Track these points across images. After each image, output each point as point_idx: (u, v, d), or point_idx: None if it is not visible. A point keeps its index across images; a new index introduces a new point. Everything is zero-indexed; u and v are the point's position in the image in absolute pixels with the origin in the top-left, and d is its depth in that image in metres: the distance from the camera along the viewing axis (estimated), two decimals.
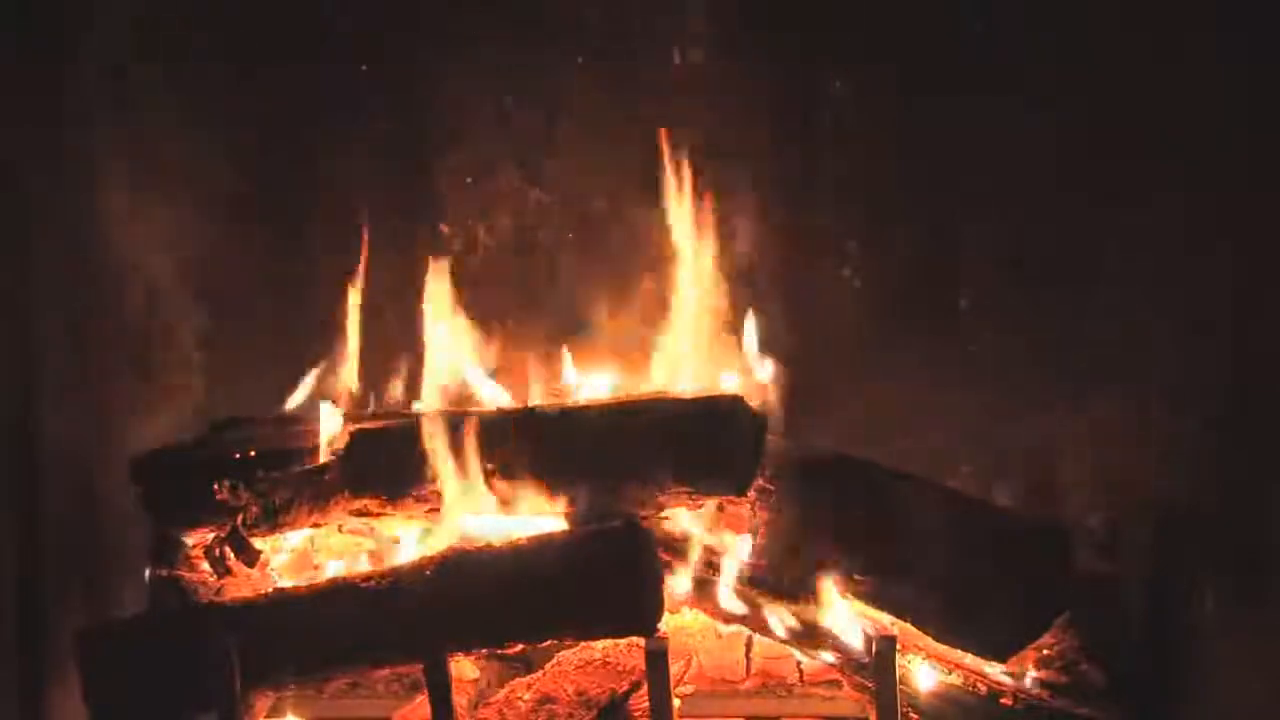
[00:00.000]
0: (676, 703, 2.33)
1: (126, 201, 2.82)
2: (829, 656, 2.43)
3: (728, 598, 2.46)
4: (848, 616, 2.41)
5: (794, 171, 2.84)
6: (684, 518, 2.55)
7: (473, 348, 2.73)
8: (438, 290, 2.69)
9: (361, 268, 2.81)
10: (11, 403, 2.67)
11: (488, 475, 2.39)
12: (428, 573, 2.29)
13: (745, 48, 2.85)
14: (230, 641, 2.23)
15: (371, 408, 2.69)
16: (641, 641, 2.30)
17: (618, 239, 2.87)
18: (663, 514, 2.48)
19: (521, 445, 2.38)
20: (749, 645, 2.60)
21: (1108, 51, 2.71)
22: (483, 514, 2.44)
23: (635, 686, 2.41)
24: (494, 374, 2.73)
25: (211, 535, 2.41)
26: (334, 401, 2.56)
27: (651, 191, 2.80)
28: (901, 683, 2.31)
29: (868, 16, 2.80)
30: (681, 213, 2.75)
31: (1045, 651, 2.45)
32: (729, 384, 2.64)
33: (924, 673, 2.39)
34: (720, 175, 2.82)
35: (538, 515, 2.41)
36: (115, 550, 2.71)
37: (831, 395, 2.79)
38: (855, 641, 2.39)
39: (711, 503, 2.49)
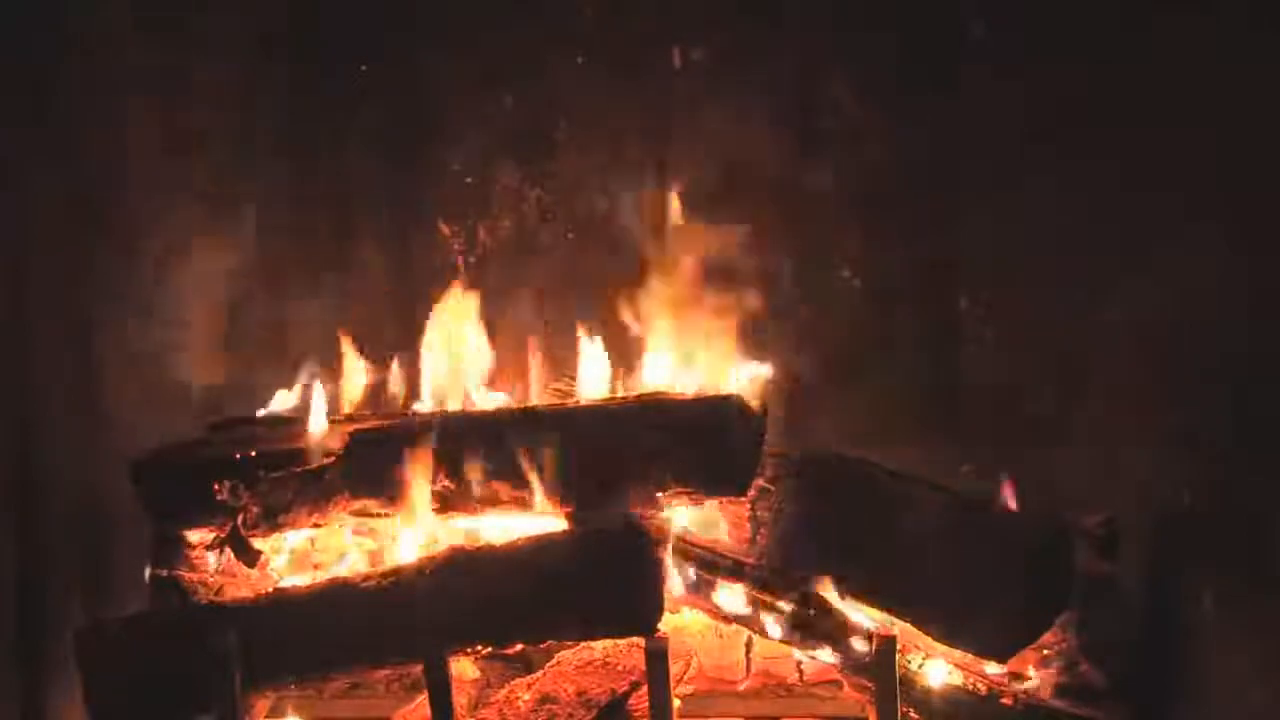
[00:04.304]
0: (676, 703, 2.33)
1: (125, 201, 2.82)
2: (829, 656, 2.43)
3: (728, 598, 2.46)
4: (848, 617, 2.41)
5: (795, 170, 2.84)
6: (684, 518, 2.55)
7: (472, 348, 2.73)
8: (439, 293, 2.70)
9: (362, 268, 2.82)
10: (12, 403, 2.67)
11: (487, 475, 2.39)
12: (428, 573, 2.29)
13: (744, 46, 2.86)
14: (230, 641, 2.23)
15: (371, 408, 2.69)
16: (641, 641, 2.30)
17: (618, 239, 2.87)
18: (662, 514, 2.48)
19: (521, 445, 2.38)
20: (749, 645, 2.60)
21: (1106, 49, 2.71)
22: (482, 514, 2.45)
23: (635, 686, 2.40)
24: (493, 374, 2.74)
25: (212, 535, 2.41)
26: (334, 402, 2.55)
27: (651, 191, 2.81)
28: (901, 683, 2.31)
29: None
30: (681, 213, 2.75)
31: (1045, 651, 2.45)
32: (729, 384, 2.63)
33: (924, 672, 2.39)
34: (720, 173, 2.82)
35: (538, 515, 2.41)
36: (115, 550, 2.71)
37: (832, 395, 2.79)
38: (855, 641, 2.39)
39: (712, 503, 2.49)
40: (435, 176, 2.93)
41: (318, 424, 2.49)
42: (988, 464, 2.73)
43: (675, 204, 2.80)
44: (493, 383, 2.74)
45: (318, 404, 2.54)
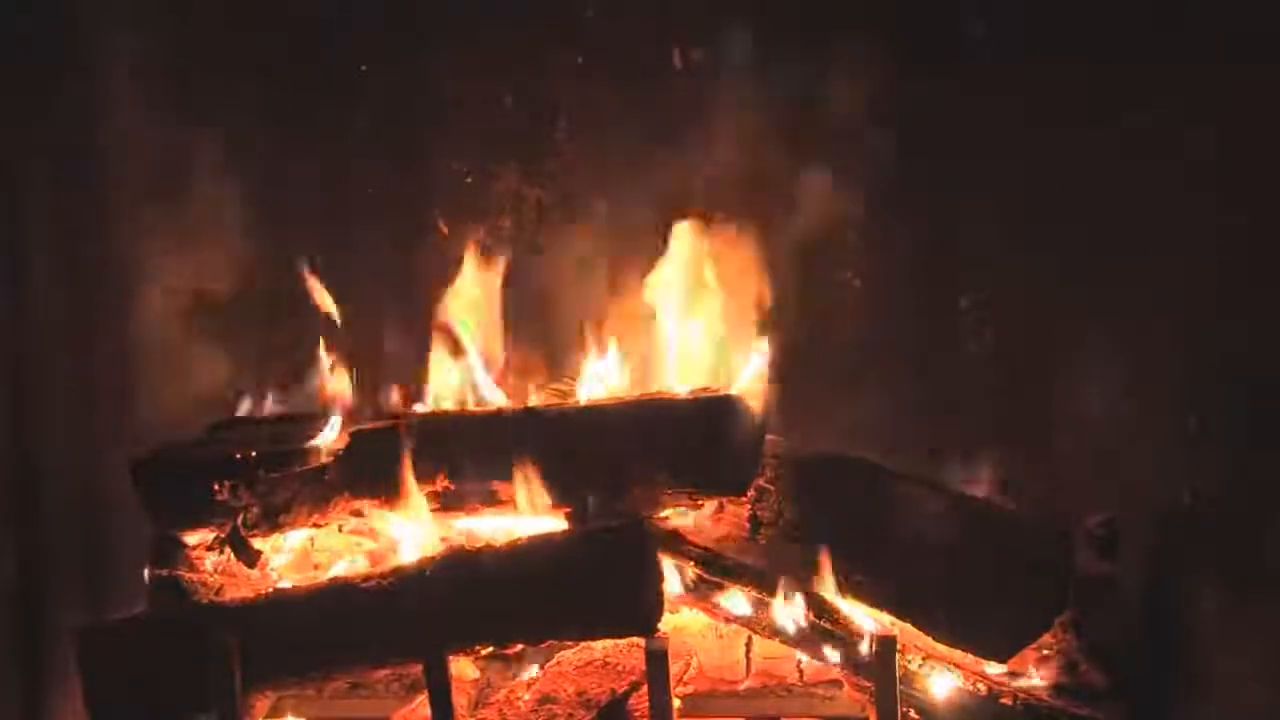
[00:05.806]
0: (676, 703, 2.33)
1: (126, 201, 2.82)
2: (829, 656, 2.43)
3: (727, 598, 2.46)
4: (848, 617, 2.41)
5: (794, 170, 2.84)
6: (684, 518, 2.55)
7: (473, 348, 2.73)
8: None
9: (361, 268, 2.82)
10: (11, 403, 2.67)
11: (488, 476, 2.38)
12: (428, 573, 2.29)
13: (744, 46, 2.86)
14: (230, 641, 2.23)
15: (372, 409, 2.69)
16: (641, 641, 2.30)
17: (618, 239, 2.87)
18: (663, 514, 2.48)
19: (522, 446, 2.38)
20: (749, 645, 2.60)
21: (1106, 49, 2.71)
22: (482, 514, 2.45)
23: (635, 686, 2.40)
24: (495, 375, 2.74)
25: (212, 535, 2.41)
26: (334, 402, 2.56)
27: (651, 191, 2.81)
28: (901, 683, 2.31)
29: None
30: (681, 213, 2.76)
31: (1045, 651, 2.45)
32: (729, 384, 2.63)
33: (924, 672, 2.39)
34: (720, 173, 2.83)
35: (538, 515, 2.41)
36: (115, 550, 2.71)
37: (832, 396, 2.79)
38: (855, 641, 2.39)
39: (712, 503, 2.49)
40: (435, 176, 2.93)
41: (318, 424, 2.49)
42: (987, 464, 2.74)
43: (675, 205, 2.79)
44: (493, 383, 2.73)
45: (318, 404, 2.54)
